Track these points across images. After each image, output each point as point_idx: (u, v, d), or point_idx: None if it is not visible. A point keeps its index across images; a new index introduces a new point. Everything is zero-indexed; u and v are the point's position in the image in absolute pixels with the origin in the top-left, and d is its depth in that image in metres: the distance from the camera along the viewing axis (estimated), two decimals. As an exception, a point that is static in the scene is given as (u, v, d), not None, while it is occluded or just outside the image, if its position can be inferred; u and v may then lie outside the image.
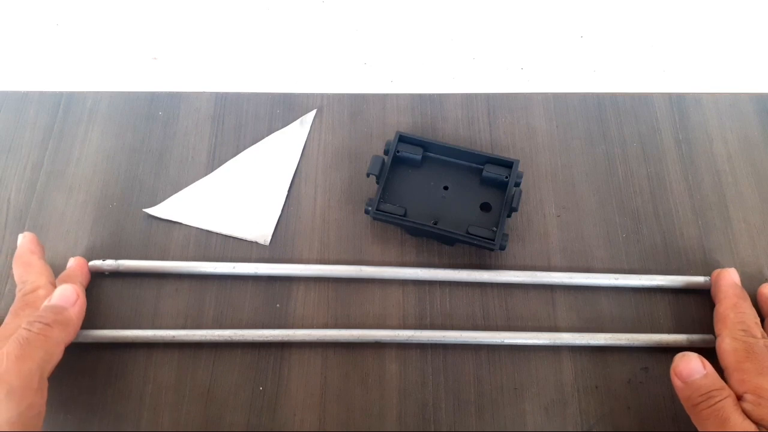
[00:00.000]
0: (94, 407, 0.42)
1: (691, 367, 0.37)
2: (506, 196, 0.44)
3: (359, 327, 0.44)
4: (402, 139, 0.47)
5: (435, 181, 0.46)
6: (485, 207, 0.45)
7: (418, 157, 0.46)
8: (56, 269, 0.46)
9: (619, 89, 0.53)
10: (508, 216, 0.44)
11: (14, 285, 0.45)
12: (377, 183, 0.45)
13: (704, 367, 0.37)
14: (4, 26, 0.45)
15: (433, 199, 0.46)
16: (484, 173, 0.46)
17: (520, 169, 0.45)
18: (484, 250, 0.45)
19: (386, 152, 0.47)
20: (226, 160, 0.50)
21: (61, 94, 0.53)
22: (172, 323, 0.44)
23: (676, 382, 0.38)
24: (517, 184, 0.45)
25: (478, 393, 0.43)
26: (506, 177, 0.45)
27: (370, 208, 0.44)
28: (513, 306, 0.45)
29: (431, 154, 0.47)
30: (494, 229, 0.44)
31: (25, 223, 0.47)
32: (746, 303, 0.42)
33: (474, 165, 0.47)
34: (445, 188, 0.46)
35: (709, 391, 0.36)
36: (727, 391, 0.36)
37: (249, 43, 0.46)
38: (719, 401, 0.35)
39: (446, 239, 0.45)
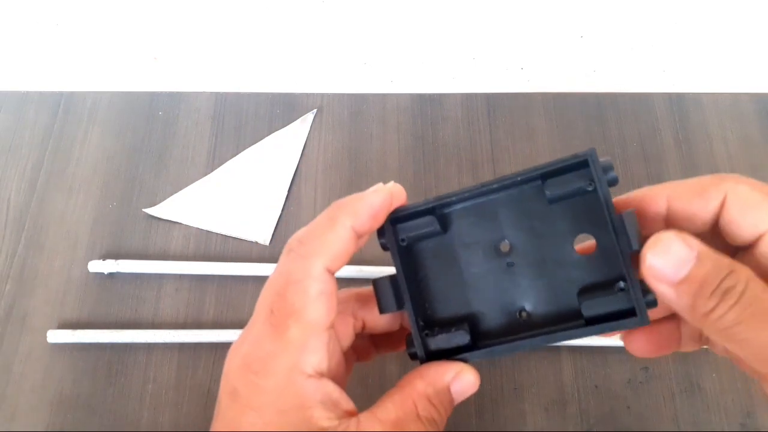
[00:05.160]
0: (94, 407, 0.42)
1: (674, 254, 0.22)
2: (610, 218, 0.24)
3: (359, 327, 0.44)
4: (397, 219, 0.27)
5: (482, 247, 0.27)
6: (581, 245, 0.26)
7: (435, 228, 0.27)
8: (57, 270, 0.46)
9: (619, 89, 0.53)
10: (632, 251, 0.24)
11: (14, 285, 0.45)
12: (404, 310, 0.27)
13: (691, 246, 0.22)
14: (4, 26, 0.45)
15: (496, 276, 0.27)
16: (549, 195, 0.26)
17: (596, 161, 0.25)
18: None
19: (384, 246, 0.27)
20: (226, 160, 0.50)
21: (61, 94, 0.53)
22: (172, 323, 0.44)
23: (665, 291, 0.22)
24: (611, 183, 0.25)
25: (478, 393, 0.42)
26: (590, 185, 0.25)
27: (417, 352, 0.28)
28: (513, 306, 0.45)
29: (452, 210, 0.28)
30: (621, 285, 0.24)
31: (25, 223, 0.47)
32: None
33: (526, 189, 0.27)
34: (503, 248, 0.27)
35: (723, 276, 0.22)
36: (740, 265, 0.22)
37: (249, 43, 0.46)
38: (744, 282, 0.22)
39: (558, 339, 0.26)
